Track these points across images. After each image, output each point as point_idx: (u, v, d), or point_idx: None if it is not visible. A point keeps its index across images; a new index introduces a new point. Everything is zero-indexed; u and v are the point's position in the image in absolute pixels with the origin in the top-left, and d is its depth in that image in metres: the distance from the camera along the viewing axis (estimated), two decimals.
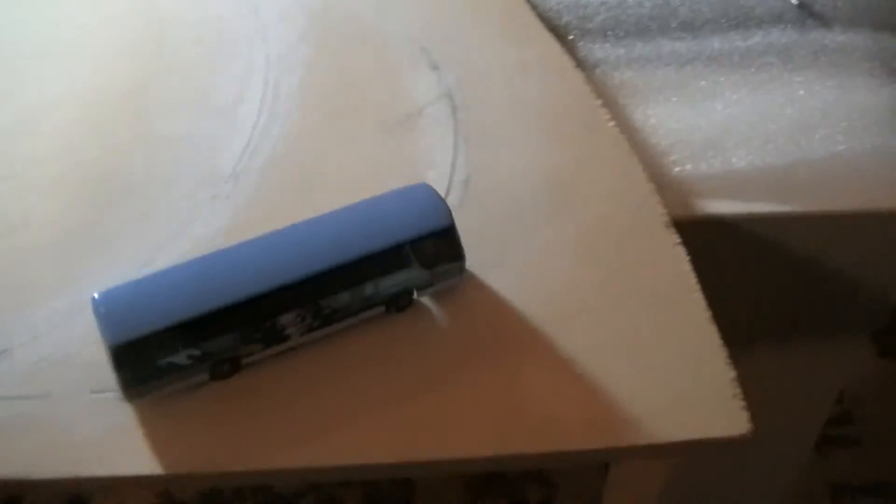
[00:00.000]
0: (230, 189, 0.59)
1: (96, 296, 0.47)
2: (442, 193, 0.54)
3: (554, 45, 0.66)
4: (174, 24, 0.69)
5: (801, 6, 0.71)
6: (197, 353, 0.47)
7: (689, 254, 0.57)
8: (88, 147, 0.61)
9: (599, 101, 0.63)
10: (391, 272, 0.50)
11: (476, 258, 0.53)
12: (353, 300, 0.50)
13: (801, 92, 0.66)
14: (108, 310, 0.47)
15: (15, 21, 0.69)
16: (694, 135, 0.64)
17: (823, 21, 0.71)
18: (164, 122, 0.63)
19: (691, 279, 0.55)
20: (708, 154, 0.63)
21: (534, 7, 0.70)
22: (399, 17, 0.68)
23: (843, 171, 0.64)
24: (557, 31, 0.69)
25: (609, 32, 0.69)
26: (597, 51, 0.68)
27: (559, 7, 0.70)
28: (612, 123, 0.62)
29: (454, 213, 0.51)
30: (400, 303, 0.51)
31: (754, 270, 0.65)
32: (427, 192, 0.52)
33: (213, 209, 0.58)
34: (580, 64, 0.67)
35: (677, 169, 0.63)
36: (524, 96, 0.64)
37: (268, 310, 0.48)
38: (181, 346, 0.47)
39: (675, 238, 0.57)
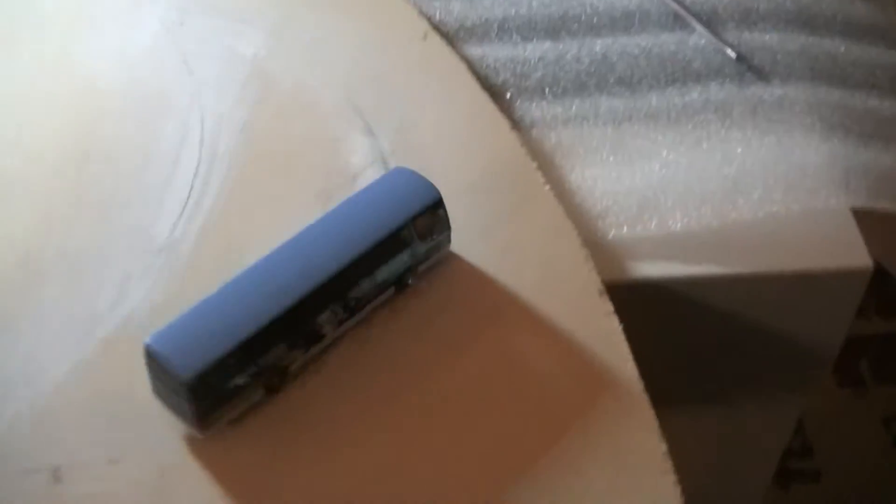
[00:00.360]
0: (164, 259, 0.59)
1: (148, 341, 0.50)
2: None
3: (490, 106, 0.67)
4: (106, 85, 0.69)
5: (739, 59, 0.71)
6: (254, 369, 0.51)
7: (624, 316, 0.57)
8: (19, 216, 0.61)
9: (535, 164, 0.64)
10: (400, 251, 0.55)
11: None
12: (371, 286, 0.54)
13: (739, 150, 0.67)
14: (170, 348, 0.50)
15: None
16: (630, 197, 0.64)
17: (762, 74, 0.71)
18: (98, 189, 0.63)
19: (624, 349, 0.56)
20: (644, 216, 0.64)
21: (470, 65, 0.70)
22: (334, 78, 0.68)
23: (781, 231, 0.64)
24: (494, 90, 0.70)
25: (547, 89, 0.70)
26: (534, 109, 0.69)
27: (496, 64, 0.71)
28: (547, 187, 0.63)
29: None
30: (402, 281, 0.56)
31: (690, 331, 0.66)
32: (408, 173, 0.57)
33: (148, 279, 0.58)
34: (517, 124, 0.68)
35: (613, 232, 0.63)
36: (458, 160, 0.64)
37: (309, 312, 0.52)
38: (243, 366, 0.50)
39: (609, 307, 0.57)
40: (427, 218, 0.55)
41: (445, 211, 0.56)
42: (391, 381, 0.54)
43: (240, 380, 0.50)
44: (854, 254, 0.64)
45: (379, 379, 0.54)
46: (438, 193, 0.56)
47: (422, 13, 0.73)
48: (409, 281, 0.56)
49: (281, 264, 0.53)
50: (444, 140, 0.66)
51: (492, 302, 0.57)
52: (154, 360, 0.50)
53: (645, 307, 0.62)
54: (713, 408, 0.73)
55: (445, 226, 0.57)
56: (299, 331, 0.52)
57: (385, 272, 0.54)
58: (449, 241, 0.58)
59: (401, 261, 0.55)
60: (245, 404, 0.52)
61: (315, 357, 0.54)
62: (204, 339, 0.50)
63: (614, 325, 0.57)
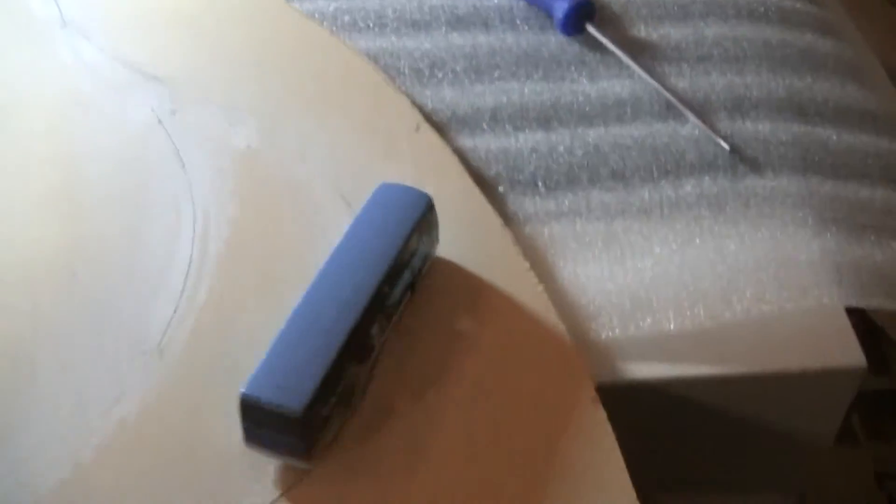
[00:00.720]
0: (157, 362, 0.59)
1: (245, 390, 0.53)
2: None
3: (482, 202, 0.68)
4: (98, 176, 0.69)
5: (732, 151, 0.72)
6: (338, 391, 0.54)
7: (617, 416, 0.58)
8: (8, 318, 0.62)
9: (527, 265, 0.64)
10: (413, 256, 0.61)
11: None
12: (400, 292, 0.60)
13: (732, 247, 0.68)
14: (270, 390, 0.53)
15: None
16: (623, 295, 0.65)
17: (755, 166, 0.72)
18: (89, 288, 0.63)
19: (618, 459, 0.56)
20: (637, 316, 0.64)
21: (462, 157, 0.71)
22: (325, 170, 0.69)
23: (774, 329, 0.65)
24: (486, 183, 0.70)
25: (540, 183, 0.70)
26: (527, 204, 0.69)
27: (488, 156, 0.72)
28: (540, 288, 0.63)
29: None
30: (415, 283, 0.62)
31: (685, 428, 0.67)
32: (396, 186, 0.63)
33: (141, 383, 0.58)
34: (510, 219, 0.69)
35: (606, 333, 0.64)
36: (450, 257, 0.65)
37: (366, 328, 0.57)
38: (332, 390, 0.54)
39: (602, 415, 0.58)
40: (429, 218, 0.62)
41: (436, 211, 0.62)
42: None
43: (332, 404, 0.54)
44: (848, 352, 0.65)
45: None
46: (430, 197, 0.62)
47: (414, 103, 0.74)
48: (418, 281, 0.62)
49: (328, 289, 0.57)
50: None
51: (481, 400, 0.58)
52: (257, 406, 0.53)
53: (639, 407, 0.63)
54: (713, 493, 0.73)
55: (436, 223, 0.63)
56: (361, 347, 0.57)
57: (407, 276, 0.60)
58: (438, 240, 0.64)
59: (414, 264, 0.61)
60: (335, 427, 0.55)
61: (371, 369, 0.58)
62: (295, 374, 0.54)
63: (608, 433, 0.57)
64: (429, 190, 0.64)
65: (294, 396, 0.53)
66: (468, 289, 0.63)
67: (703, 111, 0.76)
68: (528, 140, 0.73)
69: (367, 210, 0.62)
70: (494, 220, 0.67)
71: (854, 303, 0.66)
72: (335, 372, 0.54)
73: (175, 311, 0.62)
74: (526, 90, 0.76)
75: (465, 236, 0.66)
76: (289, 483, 0.55)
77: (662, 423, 0.65)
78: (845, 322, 0.66)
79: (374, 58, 0.78)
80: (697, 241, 0.68)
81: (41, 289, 0.63)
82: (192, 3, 0.82)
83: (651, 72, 0.78)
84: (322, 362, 0.54)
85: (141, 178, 0.70)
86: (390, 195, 0.63)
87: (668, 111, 0.76)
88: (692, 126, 0.75)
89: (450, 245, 0.65)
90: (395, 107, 0.73)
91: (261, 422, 0.53)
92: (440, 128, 0.73)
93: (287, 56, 0.77)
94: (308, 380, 0.53)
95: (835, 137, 0.76)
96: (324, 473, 0.55)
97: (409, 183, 0.64)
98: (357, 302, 0.57)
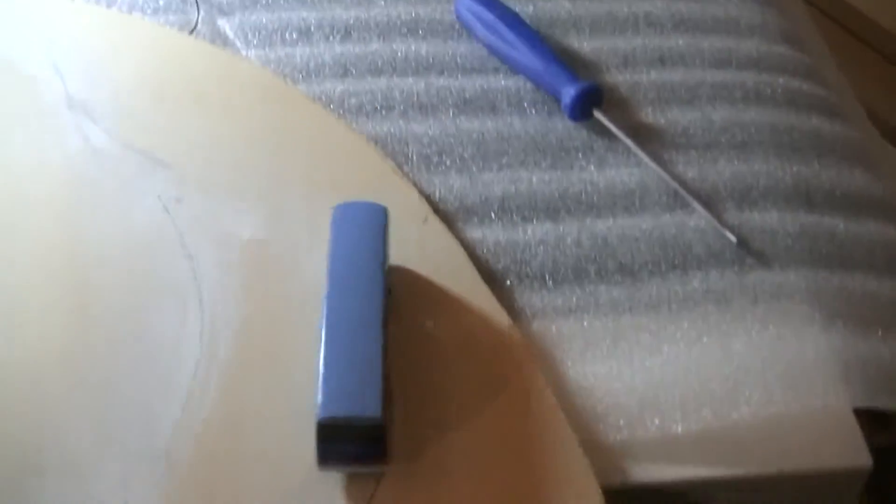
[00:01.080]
0: (163, 466, 0.60)
1: (322, 413, 0.58)
2: None
3: (489, 298, 0.69)
4: (105, 272, 0.70)
5: (740, 244, 0.74)
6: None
7: None
8: (15, 410, 0.63)
9: (535, 365, 0.66)
10: (385, 262, 0.67)
11: None
12: (387, 298, 0.65)
13: (739, 346, 0.69)
14: (344, 407, 0.58)
15: None
16: (631, 396, 0.66)
17: (762, 259, 0.74)
18: (96, 384, 0.65)
19: None
20: (645, 418, 0.66)
21: (470, 249, 0.72)
22: None
23: (781, 430, 0.66)
24: (494, 277, 0.72)
25: (547, 276, 0.72)
26: (535, 299, 0.71)
27: (496, 248, 0.73)
28: (548, 390, 0.65)
29: None
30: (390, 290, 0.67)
31: None
32: (352, 204, 0.69)
33: (146, 487, 0.60)
34: (517, 315, 0.70)
35: (614, 435, 0.65)
36: (455, 355, 0.66)
37: (382, 333, 0.62)
38: (386, 393, 0.59)
39: None
40: (388, 230, 0.68)
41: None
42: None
43: (388, 405, 0.60)
44: (854, 452, 0.66)
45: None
46: (386, 208, 0.68)
47: (422, 192, 0.75)
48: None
49: (344, 307, 0.63)
50: (443, 332, 0.67)
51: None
52: (335, 425, 0.58)
53: None
54: None
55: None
56: (384, 351, 0.62)
57: (387, 284, 0.66)
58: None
59: (385, 270, 0.66)
60: (390, 430, 0.60)
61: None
62: (357, 386, 0.59)
63: None
64: (437, 287, 0.65)
65: (367, 405, 0.58)
66: (475, 389, 0.64)
67: (710, 201, 0.77)
68: (536, 231, 0.74)
69: (339, 231, 0.67)
70: (503, 318, 0.68)
71: (861, 403, 0.68)
72: (383, 375, 0.60)
73: (182, 415, 0.63)
74: (534, 179, 0.78)
75: (471, 335, 0.67)
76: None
77: None
78: (852, 421, 0.67)
79: (381, 143, 0.79)
80: (705, 339, 0.69)
81: (47, 388, 0.64)
82: (200, 85, 0.83)
83: (658, 159, 0.79)
84: (374, 369, 0.60)
85: (148, 270, 0.71)
86: (353, 213, 0.68)
87: (675, 201, 0.77)
88: (699, 217, 0.76)
89: (457, 342, 0.66)
90: (404, 197, 0.75)
91: (339, 439, 0.58)
92: (448, 218, 0.75)
93: (294, 141, 0.78)
94: (370, 387, 0.59)
95: (842, 227, 0.78)
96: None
97: (419, 282, 0.65)
98: (374, 310, 0.63)
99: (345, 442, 0.59)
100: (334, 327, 0.62)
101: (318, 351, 0.61)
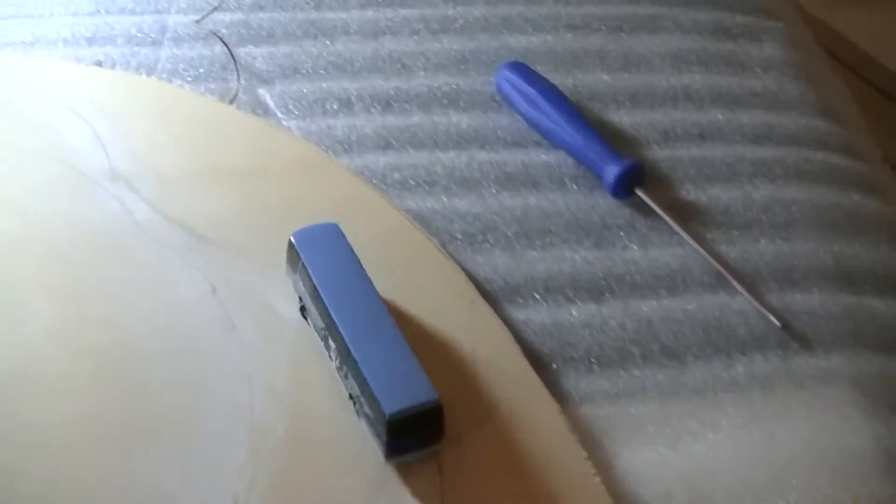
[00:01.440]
0: None
1: (390, 410, 0.64)
2: None
3: (536, 383, 0.71)
4: (150, 349, 0.72)
5: (784, 328, 0.76)
6: None
7: None
8: (55, 491, 0.64)
9: (584, 454, 0.67)
10: None
11: None
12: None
13: (784, 432, 0.71)
14: (405, 398, 0.65)
15: None
16: (678, 484, 0.68)
17: (805, 342, 0.75)
18: (143, 474, 0.66)
19: None
20: None
21: (515, 331, 0.74)
22: None
23: None
24: (541, 360, 0.73)
25: (593, 360, 0.73)
26: (581, 383, 0.72)
27: (541, 331, 0.75)
28: (597, 479, 0.66)
29: None
30: None
31: None
32: (307, 229, 0.74)
33: None
34: (563, 399, 0.71)
35: None
36: (501, 438, 0.68)
37: None
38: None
39: None
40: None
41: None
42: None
43: None
44: None
45: None
46: (335, 223, 0.74)
47: (467, 272, 0.77)
48: None
49: (355, 317, 0.69)
50: (490, 413, 0.69)
51: None
52: (403, 417, 0.64)
53: None
54: None
55: None
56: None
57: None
58: None
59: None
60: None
61: None
62: (405, 379, 0.66)
63: None
64: (484, 370, 0.68)
65: (422, 390, 0.65)
66: (523, 477, 0.66)
67: (753, 282, 0.79)
68: (580, 313, 0.76)
69: (311, 255, 0.72)
70: (551, 405, 0.70)
71: None
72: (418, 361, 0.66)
73: (238, 488, 0.64)
74: (577, 258, 0.79)
75: (518, 420, 0.69)
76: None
77: None
78: None
79: (425, 220, 0.81)
80: (750, 425, 0.71)
81: (94, 467, 0.66)
82: (242, 160, 0.85)
83: (700, 238, 0.81)
84: (408, 358, 0.66)
85: (194, 351, 0.72)
86: (315, 235, 0.73)
87: (718, 282, 0.79)
88: (743, 299, 0.78)
89: (504, 427, 0.68)
90: (449, 277, 0.76)
91: (406, 430, 0.65)
92: (493, 298, 0.77)
93: (337, 217, 0.79)
94: (416, 375, 0.65)
95: (883, 308, 0.79)
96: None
97: (465, 365, 0.69)
98: (379, 309, 0.69)
99: (410, 430, 0.65)
100: (354, 337, 0.67)
101: (350, 363, 0.67)
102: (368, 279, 0.71)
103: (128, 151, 0.85)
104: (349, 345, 0.67)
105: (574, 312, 0.76)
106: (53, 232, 0.80)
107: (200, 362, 0.72)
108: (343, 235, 0.73)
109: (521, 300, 0.77)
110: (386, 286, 0.72)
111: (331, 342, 0.69)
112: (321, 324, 0.70)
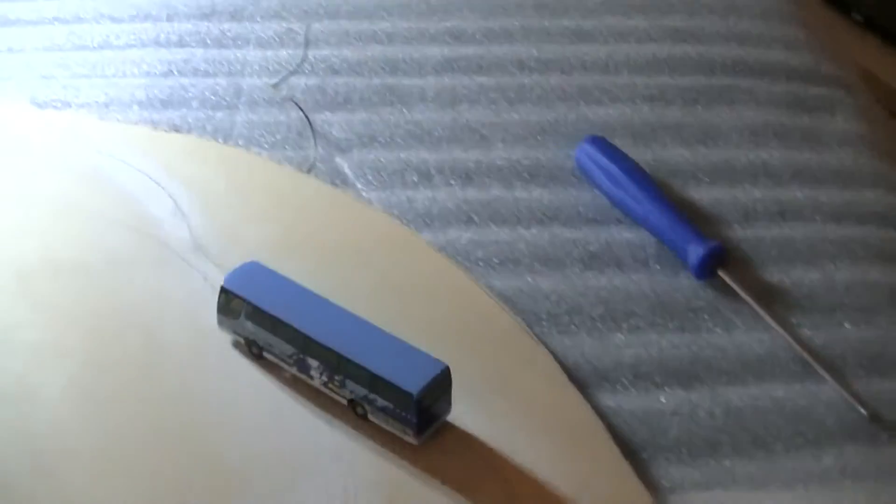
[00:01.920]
0: None
1: (413, 390, 0.70)
2: None
3: (628, 473, 0.73)
4: (231, 421, 0.74)
5: (872, 418, 0.77)
6: None
7: None
8: None
9: None
10: None
11: None
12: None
13: None
14: (418, 378, 0.71)
15: None
16: None
17: (895, 433, 0.77)
18: None
19: None
20: None
21: (605, 418, 0.76)
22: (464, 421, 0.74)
23: None
24: (630, 447, 0.75)
25: (683, 450, 0.75)
26: (672, 472, 0.74)
27: (631, 419, 0.77)
28: None
29: None
30: None
31: None
32: (235, 271, 0.78)
33: None
34: (654, 488, 0.73)
35: None
36: None
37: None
38: None
39: None
40: None
41: None
42: None
43: None
44: None
45: None
46: (255, 261, 0.79)
47: (555, 355, 0.79)
48: None
49: (338, 329, 0.74)
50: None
51: None
52: (426, 392, 0.70)
53: None
54: None
55: None
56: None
57: None
58: None
59: None
60: None
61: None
62: (408, 359, 0.72)
63: None
64: (578, 461, 0.70)
65: (430, 364, 0.71)
66: None
67: (838, 368, 0.81)
68: (669, 400, 0.78)
69: (253, 293, 0.76)
70: (646, 497, 0.71)
71: None
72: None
73: None
74: (664, 342, 0.81)
75: None
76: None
77: None
78: None
79: (510, 300, 0.83)
80: None
81: None
82: (321, 231, 0.87)
83: (784, 322, 0.83)
84: (401, 343, 0.73)
85: (281, 426, 0.74)
86: (243, 276, 0.78)
87: (804, 369, 0.81)
88: (830, 387, 0.79)
89: None
90: (540, 363, 0.78)
91: (429, 403, 0.71)
92: (581, 383, 0.78)
93: (421, 297, 0.82)
94: (414, 352, 0.72)
95: None
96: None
97: (555, 454, 0.72)
98: (346, 312, 0.75)
99: (432, 403, 0.71)
100: (343, 344, 0.72)
101: (348, 369, 0.71)
102: (318, 294, 0.76)
103: (206, 222, 0.88)
104: (342, 352, 0.72)
105: (663, 399, 0.78)
106: (134, 303, 0.82)
107: (286, 447, 0.74)
108: (266, 267, 0.78)
109: (608, 385, 0.79)
110: (475, 372, 0.75)
111: (310, 362, 0.73)
112: (290, 350, 0.74)
